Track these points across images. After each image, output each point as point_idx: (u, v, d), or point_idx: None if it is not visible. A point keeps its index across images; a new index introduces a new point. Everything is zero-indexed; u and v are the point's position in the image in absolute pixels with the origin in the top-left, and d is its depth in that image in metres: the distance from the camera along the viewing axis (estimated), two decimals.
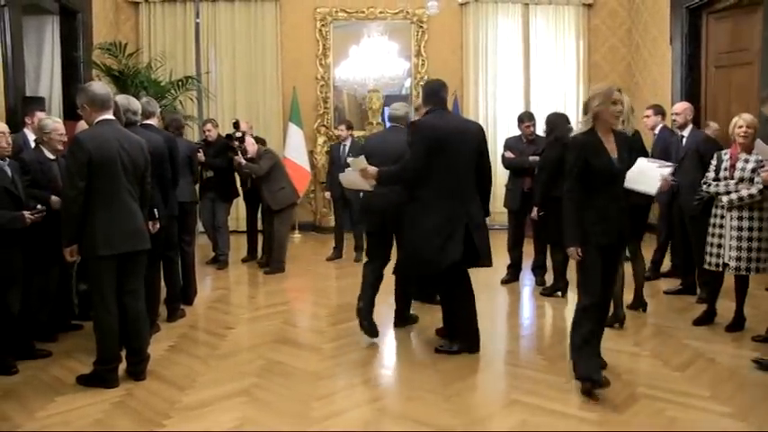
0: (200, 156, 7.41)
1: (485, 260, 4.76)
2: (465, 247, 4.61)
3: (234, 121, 7.83)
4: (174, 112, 7.85)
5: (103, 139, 4.03)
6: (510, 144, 7.19)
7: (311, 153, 10.57)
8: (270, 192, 7.63)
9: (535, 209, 6.37)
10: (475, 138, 4.77)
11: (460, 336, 4.83)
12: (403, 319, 5.54)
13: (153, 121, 5.54)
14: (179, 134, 6.56)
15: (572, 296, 6.31)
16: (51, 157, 4.93)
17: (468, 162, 4.69)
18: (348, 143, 8.38)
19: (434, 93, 4.87)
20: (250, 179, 7.93)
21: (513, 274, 7.03)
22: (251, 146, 7.71)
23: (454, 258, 4.56)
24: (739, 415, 3.65)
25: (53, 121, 5.04)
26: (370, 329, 5.08)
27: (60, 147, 4.91)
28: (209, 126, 8.03)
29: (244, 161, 7.56)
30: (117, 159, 4.04)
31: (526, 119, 7.15)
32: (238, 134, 7.61)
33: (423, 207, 4.60)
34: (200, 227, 8.44)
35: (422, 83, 10.91)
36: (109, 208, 4.03)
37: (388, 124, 9.89)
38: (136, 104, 5.09)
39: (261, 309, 6.18)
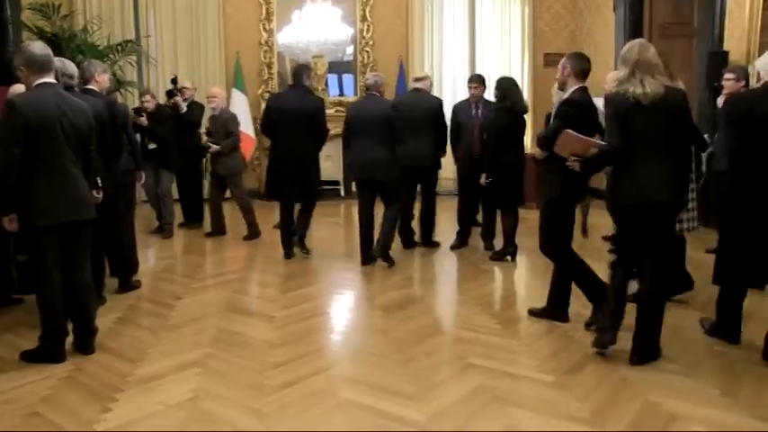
0: (143, 120, 7.21)
1: None
2: None
3: (172, 77, 7.68)
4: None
5: (41, 103, 3.81)
6: (460, 108, 7.10)
7: (255, 119, 10.33)
8: (224, 158, 7.57)
9: (484, 175, 6.35)
10: None
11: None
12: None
13: (93, 85, 5.27)
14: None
15: (521, 260, 6.38)
16: None
17: None
18: None
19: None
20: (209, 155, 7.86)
21: (461, 240, 7.05)
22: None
23: None
24: (688, 372, 3.74)
25: None
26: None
27: None
28: (147, 97, 7.81)
29: (216, 147, 7.52)
30: (56, 124, 3.83)
31: (474, 80, 7.07)
32: (171, 87, 7.80)
33: None
34: (143, 196, 8.26)
35: (367, 48, 10.86)
36: (49, 175, 3.84)
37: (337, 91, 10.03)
38: (72, 68, 4.84)
39: (209, 278, 6.06)
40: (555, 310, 4.65)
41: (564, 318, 4.61)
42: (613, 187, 3.95)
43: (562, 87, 4.55)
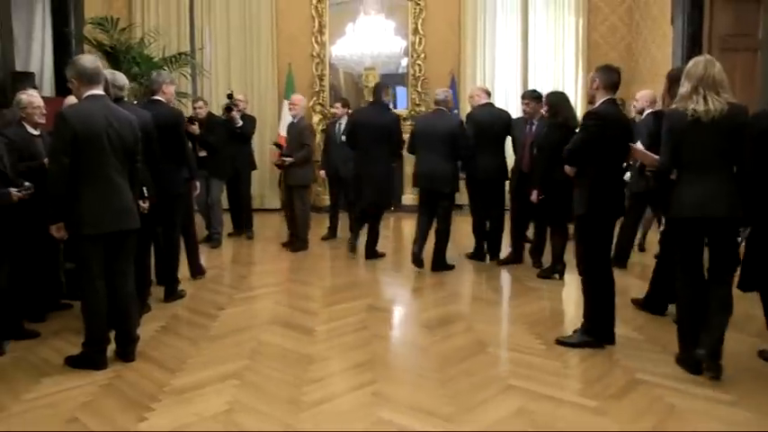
0: (195, 128, 7.32)
1: None
2: None
3: (229, 92, 7.78)
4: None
5: (90, 115, 3.89)
6: (515, 124, 7.01)
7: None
8: (294, 169, 7.54)
9: (535, 192, 6.24)
10: None
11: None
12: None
13: (160, 96, 5.53)
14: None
15: (569, 278, 6.24)
16: (34, 132, 4.80)
17: None
18: (343, 121, 8.22)
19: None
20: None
21: (515, 257, 6.95)
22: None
23: None
24: (741, 402, 3.57)
25: (27, 94, 4.89)
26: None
27: (41, 120, 4.79)
28: (200, 104, 7.91)
29: (290, 160, 7.46)
30: (103, 135, 3.90)
31: (526, 96, 6.96)
32: (228, 102, 7.89)
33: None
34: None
35: (419, 61, 10.85)
36: (95, 186, 3.90)
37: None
38: (122, 80, 4.97)
39: (254, 289, 6.08)
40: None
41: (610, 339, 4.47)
42: (672, 202, 3.95)
43: (591, 101, 4.57)
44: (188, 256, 6.19)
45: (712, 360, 3.83)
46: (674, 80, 4.34)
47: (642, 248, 7.45)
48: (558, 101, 6.21)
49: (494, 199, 7.01)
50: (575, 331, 4.56)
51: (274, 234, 8.73)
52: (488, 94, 7.30)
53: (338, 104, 8.45)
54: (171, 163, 5.42)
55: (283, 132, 9.74)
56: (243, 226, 8.48)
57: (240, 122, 8.10)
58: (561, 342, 4.47)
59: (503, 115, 7.07)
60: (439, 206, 6.58)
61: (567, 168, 4.50)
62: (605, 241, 4.47)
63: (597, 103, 4.41)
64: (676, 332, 4.08)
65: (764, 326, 4.37)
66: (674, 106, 3.94)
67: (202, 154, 7.63)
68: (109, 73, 4.89)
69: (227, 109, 8.06)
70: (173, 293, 5.57)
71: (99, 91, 4.05)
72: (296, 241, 7.65)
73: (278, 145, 8.22)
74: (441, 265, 6.66)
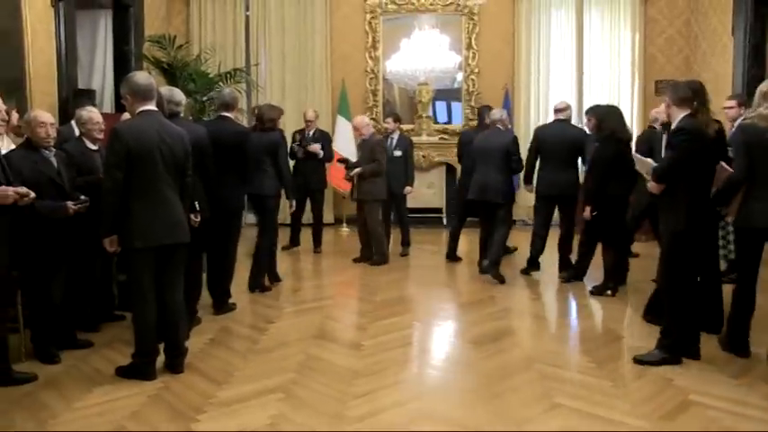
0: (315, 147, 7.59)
1: None
2: None
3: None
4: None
5: (142, 130, 3.99)
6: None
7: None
8: (364, 183, 7.58)
9: (587, 208, 6.14)
10: None
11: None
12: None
13: (230, 113, 5.72)
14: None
15: (621, 296, 6.09)
16: (93, 147, 4.95)
17: None
18: (396, 136, 8.21)
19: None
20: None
21: (577, 274, 6.73)
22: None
23: None
24: None
25: (87, 111, 5.05)
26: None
27: (100, 136, 4.93)
28: None
29: (358, 170, 7.56)
30: (156, 151, 3.99)
31: (587, 113, 6.95)
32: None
33: None
34: (248, 219, 8.49)
35: (472, 76, 10.81)
36: (146, 199, 3.99)
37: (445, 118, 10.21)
38: (179, 96, 5.05)
39: (304, 303, 6.11)
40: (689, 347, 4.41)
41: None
42: (743, 212, 4.23)
43: (670, 120, 4.48)
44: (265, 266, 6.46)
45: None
46: (696, 93, 4.35)
47: None
48: (603, 114, 6.15)
49: (563, 214, 7.03)
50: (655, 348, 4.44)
51: (330, 248, 8.77)
52: (560, 110, 7.19)
53: (389, 119, 8.43)
54: (231, 179, 5.54)
55: (337, 148, 9.81)
56: (314, 242, 8.50)
57: (321, 152, 8.29)
58: (639, 361, 4.35)
59: (574, 132, 7.08)
60: (496, 215, 6.82)
61: (654, 186, 4.39)
62: (697, 257, 4.43)
63: (675, 122, 4.33)
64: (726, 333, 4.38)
65: None
66: (748, 121, 4.26)
67: None
68: (166, 89, 5.06)
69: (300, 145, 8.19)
70: (222, 306, 5.64)
71: (152, 107, 4.14)
72: (374, 255, 7.63)
73: (341, 161, 8.25)
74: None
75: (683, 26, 10.62)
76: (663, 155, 4.49)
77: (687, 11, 10.57)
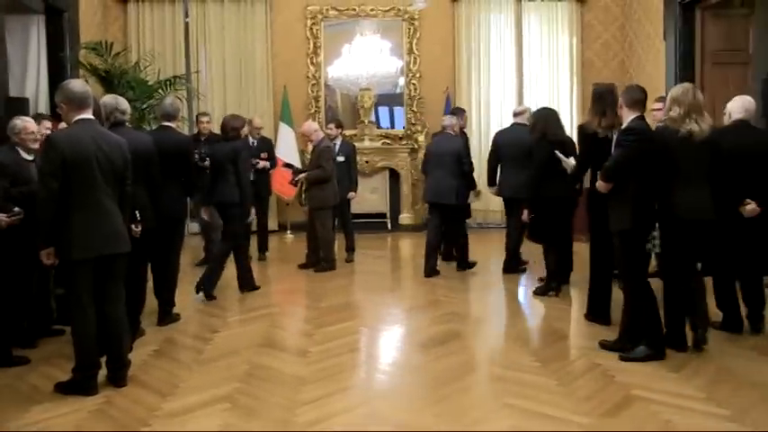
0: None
1: None
2: None
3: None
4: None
5: (78, 139, 3.89)
6: None
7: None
8: (314, 191, 7.58)
9: (525, 211, 6.26)
10: None
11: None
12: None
13: (171, 123, 5.70)
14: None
15: (565, 295, 6.21)
16: (28, 157, 4.80)
17: None
18: (338, 142, 8.23)
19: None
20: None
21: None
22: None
23: None
24: (737, 418, 3.53)
25: (21, 120, 4.88)
26: None
27: (35, 146, 4.78)
28: (207, 118, 7.82)
29: (304, 175, 7.57)
30: (92, 160, 3.90)
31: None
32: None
33: None
34: (194, 228, 8.39)
35: (414, 80, 10.89)
36: (84, 210, 3.89)
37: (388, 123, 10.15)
38: (124, 104, 5.01)
39: (249, 311, 6.03)
40: (627, 343, 4.52)
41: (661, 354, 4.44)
42: (669, 204, 4.43)
43: (620, 123, 4.65)
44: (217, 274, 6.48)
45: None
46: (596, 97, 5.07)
47: None
48: (536, 116, 6.35)
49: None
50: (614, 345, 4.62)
51: (275, 255, 8.70)
52: (518, 114, 7.46)
53: (332, 125, 8.43)
54: (174, 187, 5.50)
55: (280, 155, 9.72)
56: (259, 249, 8.44)
57: (267, 164, 8.24)
58: (625, 358, 4.41)
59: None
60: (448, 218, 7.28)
61: (602, 185, 4.52)
62: (645, 254, 4.57)
63: (626, 122, 4.50)
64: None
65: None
66: (661, 125, 4.60)
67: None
68: (111, 98, 5.06)
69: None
70: (165, 317, 5.55)
71: (88, 115, 4.05)
72: (321, 261, 7.61)
73: (288, 165, 8.22)
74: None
75: (617, 31, 10.91)
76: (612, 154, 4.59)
77: (621, 17, 10.88)
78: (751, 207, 4.75)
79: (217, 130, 7.69)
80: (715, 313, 5.06)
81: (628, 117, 4.48)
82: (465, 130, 8.14)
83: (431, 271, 7.15)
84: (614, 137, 4.67)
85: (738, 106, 4.95)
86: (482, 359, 4.64)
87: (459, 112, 8.02)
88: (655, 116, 6.36)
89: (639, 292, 4.45)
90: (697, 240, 4.46)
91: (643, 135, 4.41)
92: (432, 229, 7.35)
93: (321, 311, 5.96)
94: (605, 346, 4.64)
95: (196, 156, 6.85)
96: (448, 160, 7.11)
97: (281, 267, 7.78)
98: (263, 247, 8.45)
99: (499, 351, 4.87)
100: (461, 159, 7.14)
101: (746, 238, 4.82)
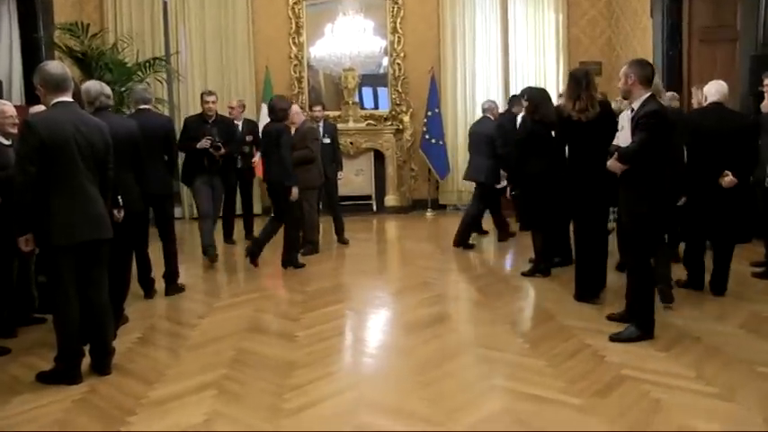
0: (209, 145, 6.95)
1: None
2: None
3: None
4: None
5: (57, 122, 3.84)
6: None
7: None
8: (298, 170, 7.38)
9: (508, 187, 6.33)
10: None
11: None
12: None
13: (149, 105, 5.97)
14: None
15: (555, 276, 6.24)
16: (5, 141, 4.74)
17: None
18: (321, 123, 8.19)
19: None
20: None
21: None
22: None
23: None
24: (726, 395, 3.58)
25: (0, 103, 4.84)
26: None
27: (12, 130, 4.73)
28: (213, 98, 7.32)
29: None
30: (72, 143, 3.85)
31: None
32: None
33: None
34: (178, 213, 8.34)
35: (398, 60, 10.84)
36: (65, 195, 3.85)
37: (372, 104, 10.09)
38: (108, 89, 5.08)
39: (234, 296, 6.03)
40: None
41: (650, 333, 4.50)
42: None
43: (626, 96, 4.59)
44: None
45: None
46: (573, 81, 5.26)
47: None
48: (538, 97, 6.23)
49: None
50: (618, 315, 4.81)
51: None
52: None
53: (319, 107, 8.41)
54: (160, 167, 5.85)
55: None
56: (246, 232, 8.49)
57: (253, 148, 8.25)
58: (615, 338, 4.46)
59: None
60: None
61: (617, 166, 4.52)
62: (657, 236, 4.76)
63: (638, 101, 4.43)
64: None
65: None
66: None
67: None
68: (97, 83, 5.10)
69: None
70: (172, 285, 6.05)
71: (67, 98, 4.00)
72: (305, 244, 7.58)
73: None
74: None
75: (604, 8, 10.91)
76: (624, 135, 4.57)
77: None
78: (729, 179, 5.22)
79: (222, 110, 7.69)
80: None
81: (641, 94, 4.43)
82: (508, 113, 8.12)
83: (459, 241, 7.75)
84: (626, 114, 4.58)
85: (714, 90, 5.44)
86: (470, 341, 4.65)
87: (516, 99, 7.94)
88: None
89: (642, 273, 4.51)
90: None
91: (665, 119, 4.40)
92: (470, 203, 8.13)
93: (308, 295, 5.96)
94: (612, 318, 4.85)
95: (208, 143, 6.86)
96: (482, 142, 7.70)
97: (266, 251, 7.73)
98: (248, 231, 8.44)
99: (488, 333, 4.88)
100: (494, 142, 7.53)
101: (723, 208, 5.27)
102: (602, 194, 5.12)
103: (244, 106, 8.85)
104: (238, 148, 7.84)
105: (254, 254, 6.94)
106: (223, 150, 6.95)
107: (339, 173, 8.33)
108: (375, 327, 5.27)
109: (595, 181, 5.06)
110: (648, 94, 4.42)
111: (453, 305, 5.71)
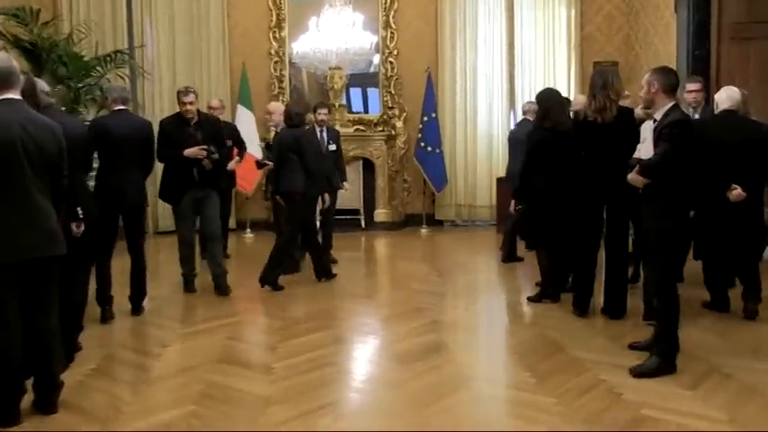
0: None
1: None
2: None
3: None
4: None
5: (1, 123, 3.78)
6: None
7: (264, 140, 10.23)
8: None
9: (513, 201, 6.29)
10: None
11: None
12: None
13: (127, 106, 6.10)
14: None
15: (565, 303, 6.22)
16: None
17: None
18: (325, 129, 8.07)
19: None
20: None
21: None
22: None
23: None
24: None
25: None
26: None
27: None
28: (191, 97, 6.63)
29: (270, 165, 7.41)
30: (18, 145, 3.76)
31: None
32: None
33: None
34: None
35: (390, 58, 10.85)
36: (9, 205, 3.76)
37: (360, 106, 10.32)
38: (46, 84, 4.94)
39: (204, 322, 5.98)
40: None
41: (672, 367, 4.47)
42: None
43: (648, 106, 4.70)
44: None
45: None
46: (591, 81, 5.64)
47: None
48: (549, 102, 6.20)
49: None
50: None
51: (234, 255, 8.64)
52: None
53: (324, 110, 8.17)
54: (135, 173, 6.00)
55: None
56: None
57: (237, 158, 8.12)
58: (638, 374, 4.41)
59: None
60: None
61: (638, 179, 4.56)
62: (681, 254, 4.92)
63: (662, 110, 4.53)
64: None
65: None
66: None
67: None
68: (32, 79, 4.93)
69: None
70: (139, 305, 6.13)
71: (14, 95, 3.94)
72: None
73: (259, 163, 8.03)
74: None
75: (621, 2, 10.97)
76: (646, 147, 4.66)
77: None
78: (737, 192, 5.43)
79: (202, 108, 7.53)
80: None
81: (665, 104, 4.52)
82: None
83: (506, 256, 8.05)
84: (648, 124, 4.70)
85: (725, 96, 5.65)
86: (470, 374, 4.62)
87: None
88: (687, 99, 6.40)
89: (668, 293, 4.52)
90: None
91: (690, 128, 4.51)
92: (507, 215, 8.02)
93: (287, 321, 5.93)
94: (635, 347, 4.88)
95: (204, 153, 6.51)
96: (518, 145, 7.52)
97: (242, 271, 7.71)
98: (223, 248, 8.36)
99: (489, 365, 4.88)
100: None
101: (733, 223, 5.47)
102: (623, 208, 5.32)
103: (224, 107, 8.81)
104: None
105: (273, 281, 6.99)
106: (217, 156, 6.61)
107: (344, 183, 8.31)
108: (362, 357, 5.23)
109: (614, 192, 5.23)
110: (672, 103, 4.53)
111: (450, 333, 5.68)
